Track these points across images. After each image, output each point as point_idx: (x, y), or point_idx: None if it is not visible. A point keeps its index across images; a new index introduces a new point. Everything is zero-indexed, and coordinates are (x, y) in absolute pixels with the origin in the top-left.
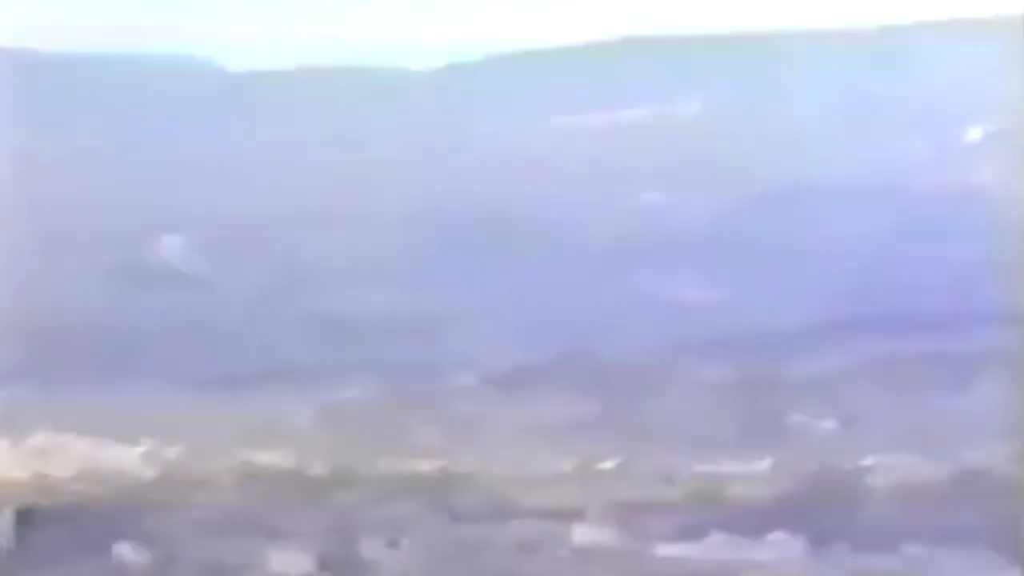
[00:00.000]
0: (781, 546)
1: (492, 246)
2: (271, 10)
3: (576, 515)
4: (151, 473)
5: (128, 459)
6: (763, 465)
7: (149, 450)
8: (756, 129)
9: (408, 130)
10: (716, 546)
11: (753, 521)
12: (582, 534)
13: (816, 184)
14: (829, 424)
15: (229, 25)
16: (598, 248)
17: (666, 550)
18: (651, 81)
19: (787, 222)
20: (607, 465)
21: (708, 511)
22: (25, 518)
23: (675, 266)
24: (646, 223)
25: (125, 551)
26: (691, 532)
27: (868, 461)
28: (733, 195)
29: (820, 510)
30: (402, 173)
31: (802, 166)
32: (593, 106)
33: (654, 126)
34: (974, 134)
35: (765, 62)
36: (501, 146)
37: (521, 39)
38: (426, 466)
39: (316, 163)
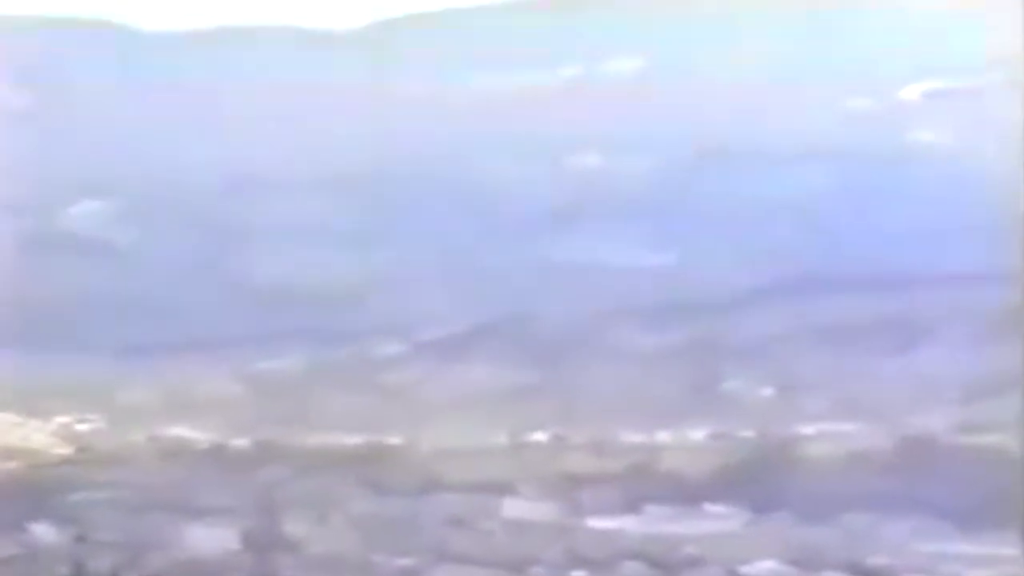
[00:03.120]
0: (719, 518)
1: (421, 211)
2: None
3: (508, 488)
4: (66, 449)
5: (42, 435)
6: (699, 435)
7: (64, 425)
8: (696, 89)
9: (330, 91)
10: (652, 518)
11: (690, 492)
12: (514, 507)
13: (757, 145)
14: (767, 391)
15: None
16: (533, 212)
17: (601, 523)
18: (586, 39)
19: (727, 184)
20: (540, 437)
21: (644, 483)
22: None
23: (612, 230)
24: (583, 186)
25: (41, 530)
26: (626, 504)
27: (808, 429)
28: (672, 157)
29: (759, 480)
30: (327, 136)
31: (743, 127)
32: (526, 65)
33: (590, 85)
34: (914, 92)
35: (704, 19)
36: (428, 107)
37: None
38: (354, 438)
39: (238, 126)
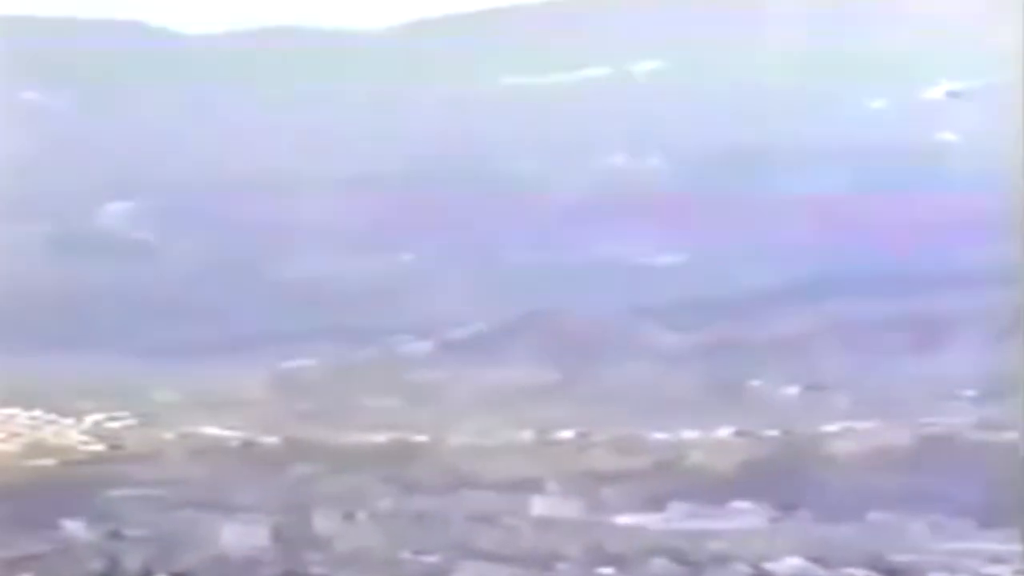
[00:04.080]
0: (743, 515)
1: (448, 211)
2: None
3: (535, 486)
4: (98, 446)
5: (75, 432)
6: (724, 433)
7: (96, 423)
8: (720, 90)
9: (360, 92)
10: (677, 516)
11: (714, 490)
12: (541, 505)
13: (780, 143)
14: (791, 390)
15: None
16: (558, 211)
17: (626, 520)
18: (609, 42)
19: (752, 183)
20: (566, 434)
21: (669, 480)
22: None
23: (636, 229)
24: (607, 185)
25: (73, 526)
26: (652, 502)
27: (831, 427)
28: (695, 156)
29: (783, 478)
30: (356, 136)
31: (766, 125)
32: (552, 66)
33: (615, 86)
34: (937, 92)
35: (727, 23)
36: (456, 107)
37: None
38: (381, 437)
39: (268, 126)
